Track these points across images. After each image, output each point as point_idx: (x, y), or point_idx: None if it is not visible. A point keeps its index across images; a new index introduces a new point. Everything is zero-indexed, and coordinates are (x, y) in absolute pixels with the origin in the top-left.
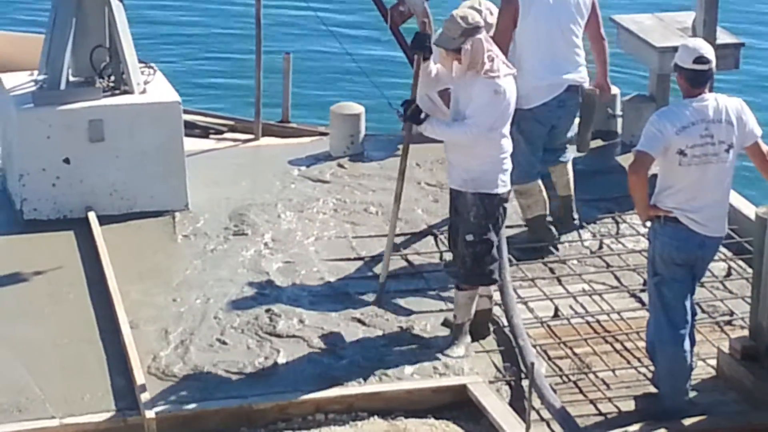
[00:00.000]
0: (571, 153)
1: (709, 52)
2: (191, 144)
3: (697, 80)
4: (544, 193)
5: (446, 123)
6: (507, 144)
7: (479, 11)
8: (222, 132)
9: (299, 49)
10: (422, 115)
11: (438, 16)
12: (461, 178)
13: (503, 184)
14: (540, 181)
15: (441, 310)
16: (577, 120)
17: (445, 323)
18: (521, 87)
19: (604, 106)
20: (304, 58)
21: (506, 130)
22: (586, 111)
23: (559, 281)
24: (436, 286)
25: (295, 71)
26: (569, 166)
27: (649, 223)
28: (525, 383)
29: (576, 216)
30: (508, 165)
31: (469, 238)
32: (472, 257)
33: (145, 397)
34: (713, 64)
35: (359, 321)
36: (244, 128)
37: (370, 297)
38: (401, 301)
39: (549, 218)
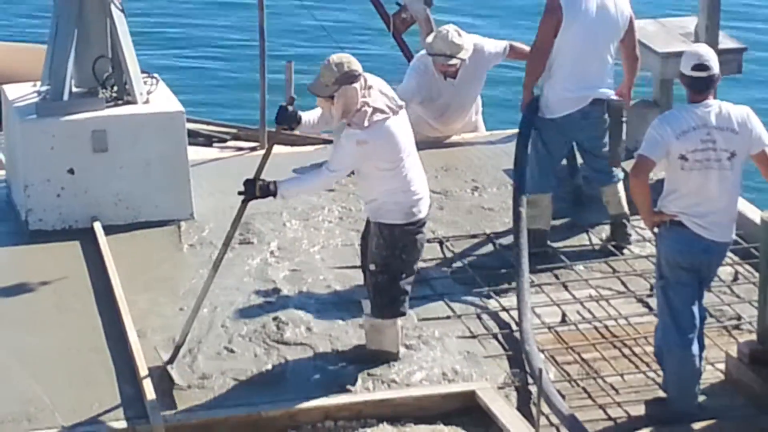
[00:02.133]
0: (621, 172)
1: (710, 58)
2: (195, 153)
3: (697, 86)
4: (550, 209)
5: (302, 179)
6: (410, 176)
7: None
8: (225, 140)
9: (303, 56)
10: (271, 187)
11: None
12: (366, 208)
13: (408, 216)
14: (550, 196)
15: (448, 317)
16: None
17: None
18: (548, 96)
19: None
20: (308, 66)
21: (406, 163)
22: (614, 123)
23: (566, 287)
24: (443, 293)
25: (298, 79)
26: (620, 186)
27: (656, 229)
28: (533, 389)
29: (630, 233)
30: (414, 196)
31: (372, 267)
32: (373, 287)
33: (153, 405)
34: (715, 71)
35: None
36: (248, 136)
37: None
38: (408, 309)
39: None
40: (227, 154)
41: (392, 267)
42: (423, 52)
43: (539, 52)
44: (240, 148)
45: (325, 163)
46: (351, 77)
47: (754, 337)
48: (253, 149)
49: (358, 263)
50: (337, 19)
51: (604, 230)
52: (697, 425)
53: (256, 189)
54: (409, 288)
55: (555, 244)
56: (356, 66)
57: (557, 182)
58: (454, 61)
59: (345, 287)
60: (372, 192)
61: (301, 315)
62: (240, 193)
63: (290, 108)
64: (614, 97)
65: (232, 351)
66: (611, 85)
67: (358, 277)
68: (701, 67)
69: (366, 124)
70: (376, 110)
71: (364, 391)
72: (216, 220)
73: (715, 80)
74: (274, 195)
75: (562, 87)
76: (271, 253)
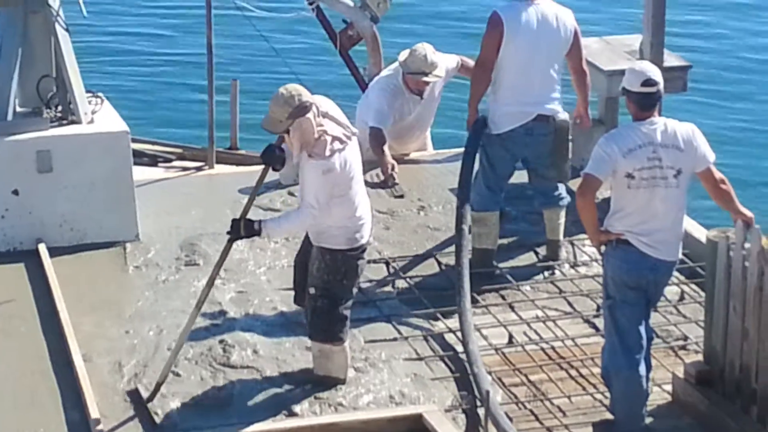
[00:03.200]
0: (568, 198)
1: (656, 74)
2: (141, 173)
3: (645, 103)
4: (497, 228)
5: (285, 219)
6: (357, 202)
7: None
8: (171, 160)
9: (249, 75)
10: (256, 226)
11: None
12: (311, 231)
13: (351, 241)
14: (497, 214)
15: (395, 339)
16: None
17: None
18: (493, 111)
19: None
20: (253, 85)
21: (354, 190)
22: (560, 142)
23: (512, 308)
24: (390, 314)
25: (244, 97)
26: (563, 213)
27: (603, 248)
28: (481, 411)
29: (560, 254)
30: (359, 222)
31: (311, 291)
32: (312, 310)
33: (99, 430)
34: (661, 87)
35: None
36: (193, 156)
37: None
38: (354, 331)
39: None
40: (172, 174)
41: (332, 291)
42: (386, 73)
43: (482, 68)
44: (185, 168)
45: (301, 203)
46: (303, 109)
47: (700, 357)
48: (198, 169)
49: None
50: (284, 38)
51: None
52: None
53: (241, 228)
54: (348, 313)
55: (501, 264)
56: (306, 96)
57: (505, 200)
58: (431, 79)
59: (292, 309)
60: (330, 219)
61: (248, 337)
62: (227, 232)
63: (278, 149)
64: (561, 116)
65: (178, 374)
66: (559, 102)
67: None
68: (650, 82)
69: (328, 153)
70: (335, 139)
71: (311, 415)
72: (162, 241)
73: (660, 97)
74: (259, 234)
75: (505, 102)
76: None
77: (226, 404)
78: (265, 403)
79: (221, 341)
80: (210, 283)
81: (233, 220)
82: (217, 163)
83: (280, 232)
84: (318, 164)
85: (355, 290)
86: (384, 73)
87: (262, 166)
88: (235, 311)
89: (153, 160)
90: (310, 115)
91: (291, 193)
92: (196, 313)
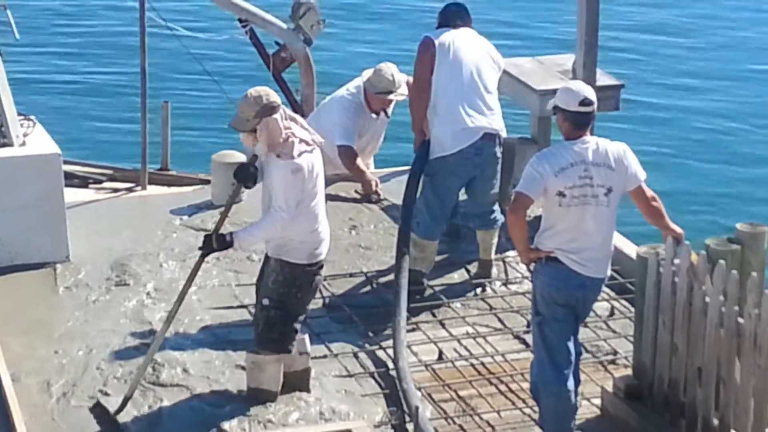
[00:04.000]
0: (502, 218)
1: (592, 94)
2: (72, 195)
3: (580, 122)
4: (434, 255)
5: (255, 227)
6: (319, 217)
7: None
8: (101, 181)
9: (182, 97)
10: (228, 238)
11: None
12: (271, 245)
13: (311, 256)
14: (436, 243)
15: (325, 356)
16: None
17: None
18: (437, 134)
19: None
20: (186, 106)
21: (317, 202)
22: (506, 162)
23: (443, 324)
24: (320, 332)
25: (176, 119)
26: (496, 233)
27: (532, 265)
28: (410, 427)
29: (491, 272)
30: (319, 237)
31: (265, 302)
32: (264, 321)
33: None
34: (595, 107)
35: (243, 368)
36: (124, 177)
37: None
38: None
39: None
40: (103, 195)
41: (287, 304)
42: (344, 93)
43: (419, 90)
44: (116, 189)
45: (271, 207)
46: (270, 109)
47: (629, 371)
48: (130, 190)
49: (236, 303)
50: (218, 60)
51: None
52: None
53: (213, 242)
54: (299, 327)
55: (432, 282)
56: (274, 97)
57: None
58: (398, 97)
59: (222, 328)
60: (292, 231)
61: (177, 356)
62: (199, 248)
63: (252, 167)
64: (504, 134)
65: (107, 394)
66: (500, 118)
67: (234, 317)
68: (587, 102)
69: (296, 153)
70: (302, 141)
71: None
72: (92, 262)
73: (594, 117)
74: (232, 245)
75: (448, 122)
76: (148, 294)
77: (156, 423)
78: (195, 420)
79: (151, 360)
80: (180, 300)
81: (205, 236)
82: (149, 183)
83: (251, 240)
84: (286, 164)
85: (308, 306)
86: (341, 92)
87: (236, 183)
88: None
89: (84, 182)
90: (277, 115)
91: None
92: (166, 327)
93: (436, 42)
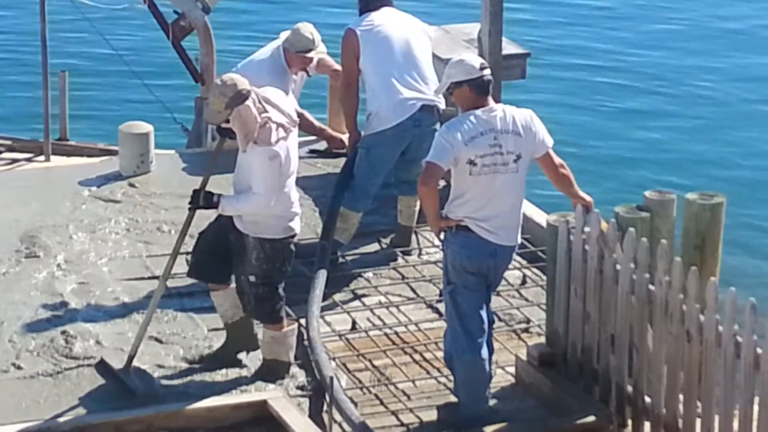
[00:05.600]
0: None
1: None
2: None
3: (485, 87)
4: (356, 228)
5: (240, 198)
6: (291, 193)
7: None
8: (0, 152)
9: (80, 66)
10: (215, 198)
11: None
12: (243, 221)
13: (287, 230)
14: (360, 215)
15: None
16: None
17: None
18: (375, 109)
19: None
20: (84, 76)
21: (291, 180)
22: None
23: (355, 294)
24: None
25: (74, 88)
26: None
27: (442, 234)
28: (325, 396)
29: (411, 240)
30: (293, 211)
31: (252, 279)
32: (255, 297)
33: None
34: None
35: (156, 340)
36: (23, 147)
37: (167, 315)
38: (197, 318)
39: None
40: (6, 167)
41: (273, 278)
42: (264, 55)
43: (348, 85)
44: (15, 160)
45: (252, 190)
46: (241, 97)
47: (543, 339)
48: (29, 160)
49: (147, 275)
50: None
51: (393, 236)
52: (488, 429)
53: (200, 198)
54: (283, 293)
55: (345, 252)
56: (243, 84)
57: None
58: (320, 55)
59: (134, 299)
60: (268, 210)
61: (90, 328)
62: (189, 203)
63: (202, 192)
64: (442, 106)
65: (19, 367)
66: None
67: (146, 289)
68: (485, 65)
69: (273, 139)
70: (279, 126)
71: (155, 403)
72: (1, 234)
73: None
74: (216, 206)
75: (387, 95)
76: (58, 266)
77: (68, 395)
78: (108, 393)
79: (63, 332)
80: (174, 255)
81: (194, 191)
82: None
83: (232, 210)
84: (264, 150)
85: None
86: (261, 56)
87: (218, 139)
88: (77, 302)
89: None
90: (249, 102)
91: (132, 185)
92: (164, 285)
93: (358, 31)
